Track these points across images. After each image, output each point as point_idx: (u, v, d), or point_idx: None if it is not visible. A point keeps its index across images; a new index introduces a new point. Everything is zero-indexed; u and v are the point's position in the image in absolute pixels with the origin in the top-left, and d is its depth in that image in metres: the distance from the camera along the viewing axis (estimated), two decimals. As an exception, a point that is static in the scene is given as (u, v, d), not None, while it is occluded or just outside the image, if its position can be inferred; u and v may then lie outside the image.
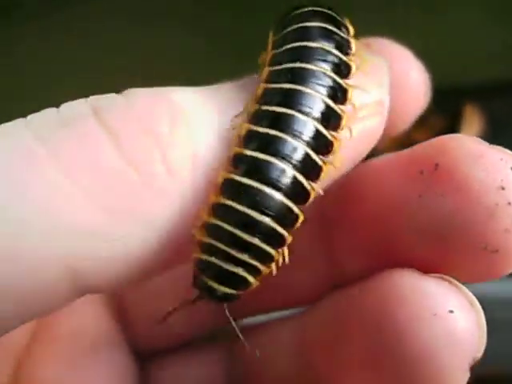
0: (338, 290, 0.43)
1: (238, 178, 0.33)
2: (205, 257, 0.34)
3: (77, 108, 0.33)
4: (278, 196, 0.33)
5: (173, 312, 0.38)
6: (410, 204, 0.38)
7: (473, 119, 1.14)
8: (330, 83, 0.35)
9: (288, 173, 0.33)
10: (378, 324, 0.37)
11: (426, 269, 0.37)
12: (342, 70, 0.36)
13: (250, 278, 0.34)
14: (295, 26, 0.37)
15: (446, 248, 0.37)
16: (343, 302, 0.42)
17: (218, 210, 0.33)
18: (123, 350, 0.51)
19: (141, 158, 0.32)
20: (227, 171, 0.33)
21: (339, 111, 0.35)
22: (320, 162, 0.34)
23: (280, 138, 0.33)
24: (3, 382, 0.46)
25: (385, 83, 0.38)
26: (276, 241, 0.34)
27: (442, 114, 1.06)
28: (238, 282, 0.34)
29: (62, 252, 0.31)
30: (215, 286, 0.34)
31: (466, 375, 0.36)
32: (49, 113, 0.33)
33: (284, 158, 0.33)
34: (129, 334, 0.51)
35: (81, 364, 0.49)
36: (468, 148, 0.36)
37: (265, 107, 0.34)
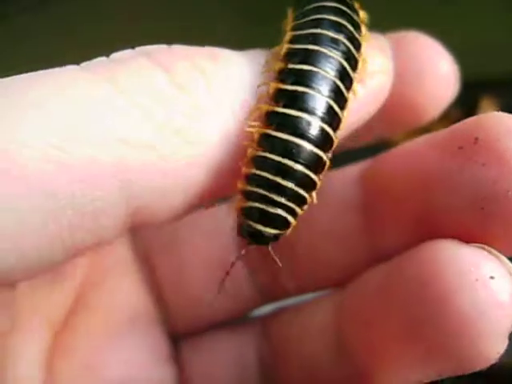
0: (376, 266, 0.43)
1: (273, 132, 0.37)
2: (249, 204, 0.38)
3: (125, 53, 0.37)
4: (308, 146, 0.37)
5: (233, 265, 0.41)
6: (451, 176, 0.38)
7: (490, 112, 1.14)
8: (345, 50, 0.39)
9: (315, 125, 0.37)
10: (419, 292, 0.37)
11: (466, 240, 0.37)
12: (355, 43, 0.40)
13: (290, 218, 0.38)
14: (315, 5, 0.41)
15: (486, 218, 0.37)
16: (382, 275, 0.42)
17: (258, 162, 0.37)
18: (157, 328, 0.52)
19: (189, 84, 0.36)
20: (262, 127, 0.37)
21: (352, 74, 0.39)
22: (340, 114, 0.38)
23: (307, 94, 0.37)
24: (42, 349, 0.47)
25: (388, 54, 0.42)
26: (308, 185, 0.38)
27: (459, 108, 1.06)
28: (280, 222, 0.38)
29: (114, 161, 0.34)
30: (260, 227, 0.38)
31: (505, 342, 0.36)
32: (99, 59, 0.37)
33: (311, 111, 0.37)
34: (163, 314, 0.52)
35: (115, 339, 0.50)
36: (506, 122, 0.37)
37: (291, 65, 0.38)
